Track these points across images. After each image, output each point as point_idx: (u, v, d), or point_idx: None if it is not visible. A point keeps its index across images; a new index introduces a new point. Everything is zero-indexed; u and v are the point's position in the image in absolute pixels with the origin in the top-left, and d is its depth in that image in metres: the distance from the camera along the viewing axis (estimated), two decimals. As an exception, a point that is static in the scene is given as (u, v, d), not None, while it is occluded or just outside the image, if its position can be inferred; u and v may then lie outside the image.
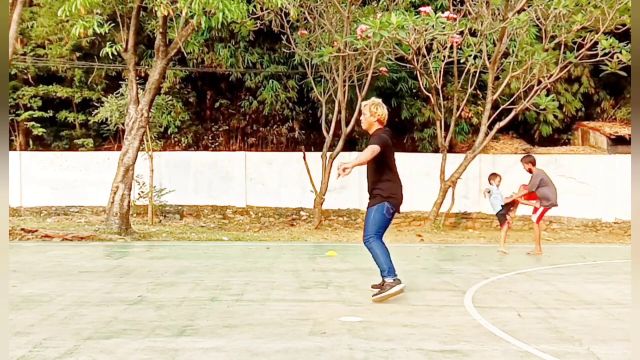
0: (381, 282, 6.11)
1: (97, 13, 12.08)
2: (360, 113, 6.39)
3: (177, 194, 16.05)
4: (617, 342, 4.52)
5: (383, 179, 6.14)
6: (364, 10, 14.98)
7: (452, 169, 14.37)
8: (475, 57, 13.76)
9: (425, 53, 13.49)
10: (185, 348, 4.26)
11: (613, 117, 17.77)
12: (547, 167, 15.54)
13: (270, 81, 16.76)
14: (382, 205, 6.03)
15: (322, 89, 15.49)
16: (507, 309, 5.64)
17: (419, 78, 14.11)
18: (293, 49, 15.05)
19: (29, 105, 17.30)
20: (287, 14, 13.49)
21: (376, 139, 6.06)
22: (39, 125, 17.06)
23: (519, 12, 12.55)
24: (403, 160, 15.84)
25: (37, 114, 17.06)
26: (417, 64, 13.44)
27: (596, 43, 12.64)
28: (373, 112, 6.19)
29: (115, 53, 12.37)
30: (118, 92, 15.61)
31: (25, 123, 17.30)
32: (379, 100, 6.34)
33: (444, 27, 11.45)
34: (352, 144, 16.78)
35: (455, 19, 11.76)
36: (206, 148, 17.70)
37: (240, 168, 16.37)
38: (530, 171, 10.33)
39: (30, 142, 18.02)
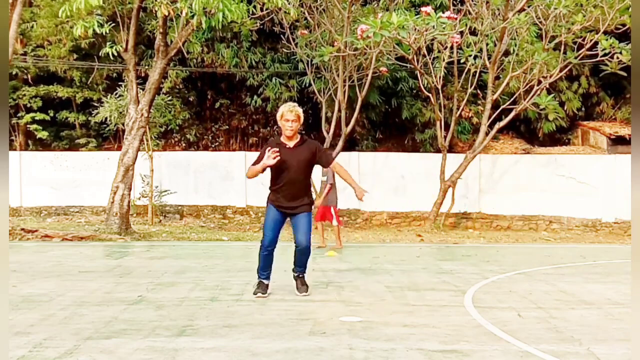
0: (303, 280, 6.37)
1: (97, 14, 12.08)
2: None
3: (177, 194, 16.05)
4: (617, 342, 4.52)
5: (309, 187, 6.27)
6: (365, 10, 14.98)
7: (452, 169, 14.37)
8: (475, 57, 13.76)
9: (426, 53, 13.48)
10: (185, 348, 4.26)
11: (613, 117, 17.76)
12: (547, 167, 15.63)
13: (274, 79, 16.79)
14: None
15: (322, 87, 15.50)
16: (507, 309, 5.64)
17: (420, 78, 14.10)
18: (293, 48, 15.06)
19: (29, 105, 17.29)
20: (287, 13, 13.48)
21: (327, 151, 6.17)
22: (41, 128, 17.07)
23: (519, 12, 12.55)
24: (403, 160, 16.10)
25: (39, 116, 17.04)
26: (418, 63, 13.44)
27: (596, 43, 12.63)
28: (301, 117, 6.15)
29: (115, 53, 12.37)
30: (117, 93, 15.61)
31: (27, 126, 17.29)
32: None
33: (444, 27, 11.44)
34: (352, 144, 16.78)
35: (455, 19, 11.76)
36: (206, 148, 17.70)
37: (241, 168, 16.35)
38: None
39: (30, 142, 18.02)
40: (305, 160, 6.01)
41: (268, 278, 6.29)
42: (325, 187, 10.27)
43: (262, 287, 6.22)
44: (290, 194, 6.04)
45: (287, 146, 6.00)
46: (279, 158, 5.76)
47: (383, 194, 15.60)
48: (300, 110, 6.11)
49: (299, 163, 5.96)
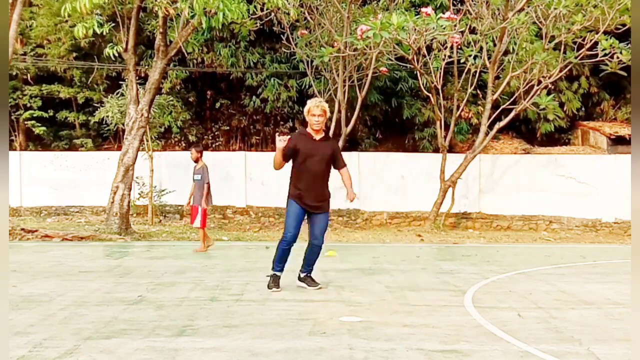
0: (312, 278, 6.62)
1: (97, 13, 12.08)
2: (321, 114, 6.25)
3: (177, 194, 16.04)
4: (617, 342, 4.52)
5: (328, 184, 6.43)
6: (364, 10, 14.98)
7: (452, 169, 14.37)
8: (475, 57, 13.76)
9: (426, 53, 13.48)
10: (185, 348, 4.26)
11: (613, 117, 17.75)
12: (547, 167, 15.62)
13: (272, 79, 16.78)
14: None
15: (322, 87, 15.50)
16: (507, 309, 5.64)
17: (419, 78, 14.11)
18: (293, 48, 15.06)
19: (29, 105, 17.30)
20: (287, 14, 13.49)
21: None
22: (40, 124, 17.08)
23: (519, 11, 12.55)
24: (403, 160, 16.09)
25: (38, 113, 17.07)
26: (417, 63, 13.44)
27: (596, 43, 12.63)
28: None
29: (116, 53, 12.37)
30: (118, 93, 15.62)
31: (25, 123, 17.30)
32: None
33: (444, 28, 11.44)
34: (352, 144, 16.78)
35: (455, 19, 11.76)
36: (206, 148, 17.68)
37: (240, 168, 16.36)
38: (197, 160, 9.99)
39: (30, 142, 18.02)
40: (328, 154, 6.26)
41: (282, 270, 6.49)
42: (204, 187, 9.91)
43: (277, 281, 6.43)
44: (313, 187, 6.21)
45: (314, 138, 6.28)
46: (288, 140, 6.01)
47: (383, 194, 15.60)
48: (326, 105, 6.34)
49: (323, 156, 6.21)
